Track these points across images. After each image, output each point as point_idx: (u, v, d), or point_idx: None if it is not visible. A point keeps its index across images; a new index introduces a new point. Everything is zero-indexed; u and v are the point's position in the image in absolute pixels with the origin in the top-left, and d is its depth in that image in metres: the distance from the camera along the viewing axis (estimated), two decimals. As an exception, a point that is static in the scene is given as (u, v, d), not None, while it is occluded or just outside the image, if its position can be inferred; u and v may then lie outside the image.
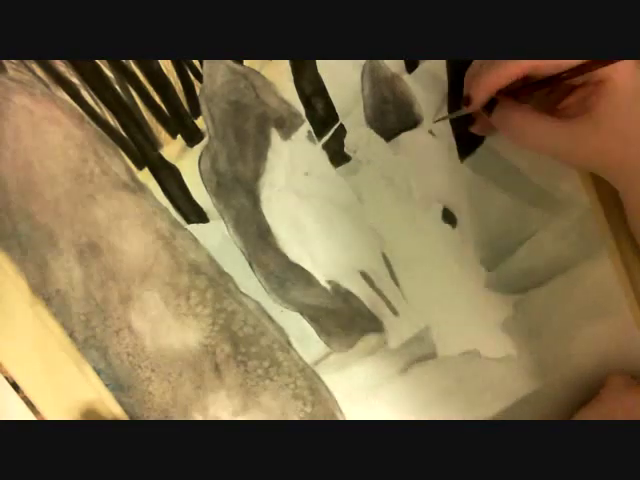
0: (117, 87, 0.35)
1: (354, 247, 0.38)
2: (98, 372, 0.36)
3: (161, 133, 0.36)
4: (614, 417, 0.34)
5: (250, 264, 0.37)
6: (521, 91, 0.32)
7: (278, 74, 0.36)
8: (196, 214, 0.37)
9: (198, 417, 0.37)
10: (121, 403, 0.37)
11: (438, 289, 0.38)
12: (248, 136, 0.36)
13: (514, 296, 0.38)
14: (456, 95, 0.36)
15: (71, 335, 0.36)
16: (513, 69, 0.30)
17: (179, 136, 0.36)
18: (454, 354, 0.38)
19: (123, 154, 0.36)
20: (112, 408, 0.37)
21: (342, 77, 0.36)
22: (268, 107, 0.36)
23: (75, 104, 0.35)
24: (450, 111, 0.36)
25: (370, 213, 0.37)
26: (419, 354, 0.38)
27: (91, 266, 0.36)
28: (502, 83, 0.31)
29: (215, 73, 0.35)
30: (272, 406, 0.37)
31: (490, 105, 0.32)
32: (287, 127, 0.36)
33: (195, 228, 0.36)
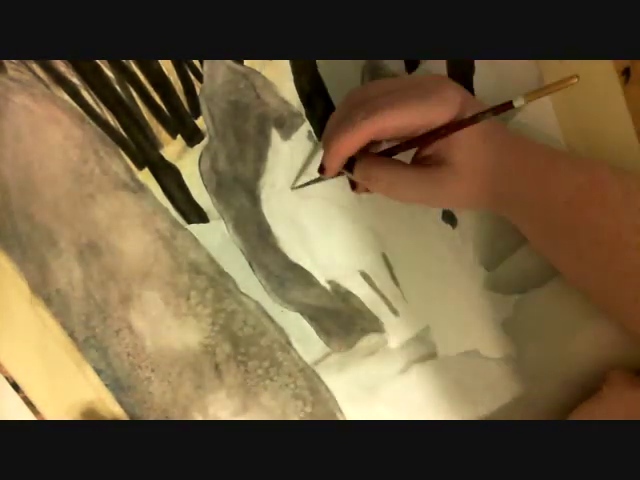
0: (117, 87, 0.35)
1: (354, 247, 0.38)
2: (98, 372, 0.36)
3: (161, 133, 0.36)
4: (615, 413, 0.34)
5: (250, 264, 0.37)
6: (385, 152, 0.32)
7: (278, 74, 0.36)
8: (196, 214, 0.37)
9: (198, 417, 0.37)
10: (121, 403, 0.37)
11: (438, 289, 0.38)
12: (248, 136, 0.36)
13: (514, 296, 0.38)
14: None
15: (71, 335, 0.36)
16: (361, 135, 0.29)
17: (179, 136, 0.36)
18: (454, 354, 0.38)
19: (123, 154, 0.36)
20: (112, 408, 0.37)
21: (342, 77, 0.36)
22: (268, 107, 0.36)
23: (75, 104, 0.35)
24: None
25: (370, 213, 0.37)
26: (419, 354, 0.38)
27: (91, 266, 0.36)
28: (353, 149, 0.30)
29: (215, 73, 0.35)
30: (272, 406, 0.37)
31: (350, 164, 0.31)
32: (287, 127, 0.36)
33: (195, 228, 0.37)
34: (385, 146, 0.32)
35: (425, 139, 0.30)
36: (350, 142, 0.30)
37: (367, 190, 0.34)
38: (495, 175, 0.30)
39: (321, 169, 0.32)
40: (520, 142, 0.31)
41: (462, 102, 0.29)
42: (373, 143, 0.31)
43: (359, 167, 0.31)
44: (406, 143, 0.31)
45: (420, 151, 0.32)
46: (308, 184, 0.36)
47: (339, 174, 0.33)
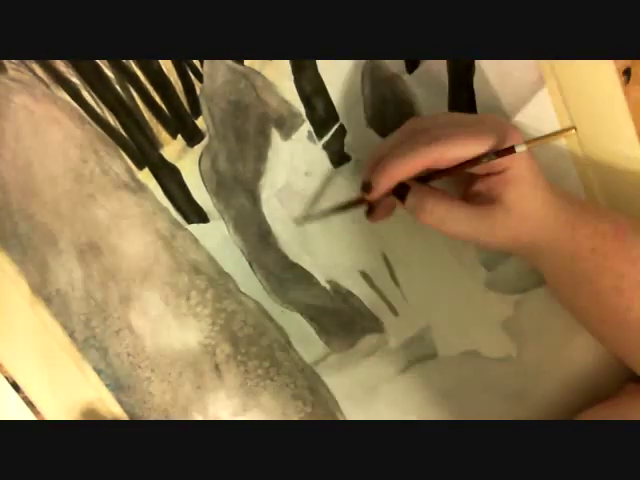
0: (117, 87, 0.35)
1: (354, 247, 0.38)
2: (98, 372, 0.36)
3: (161, 133, 0.36)
4: (627, 418, 0.34)
5: (250, 264, 0.37)
6: (430, 177, 0.32)
7: (278, 74, 0.36)
8: (196, 214, 0.37)
9: (198, 417, 0.37)
10: (121, 403, 0.37)
11: (438, 289, 0.38)
12: (248, 136, 0.36)
13: (514, 296, 0.38)
14: (456, 96, 0.36)
15: (71, 335, 0.36)
16: (419, 161, 0.30)
17: (179, 136, 0.36)
18: (454, 354, 0.38)
19: (123, 154, 0.36)
20: (112, 408, 0.37)
21: (342, 77, 0.36)
22: (268, 107, 0.36)
23: (75, 104, 0.35)
24: (452, 107, 0.36)
25: (370, 213, 0.37)
26: (419, 354, 0.38)
27: (91, 266, 0.36)
28: (408, 174, 0.30)
29: (215, 73, 0.35)
30: (272, 406, 0.37)
31: (400, 190, 0.31)
32: (287, 127, 0.36)
33: (195, 228, 0.37)
34: None
35: (476, 160, 0.30)
36: (409, 166, 0.30)
37: (382, 219, 0.34)
38: (538, 221, 0.31)
39: (367, 188, 0.32)
40: (555, 191, 0.32)
41: (505, 133, 0.30)
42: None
43: (413, 196, 0.31)
44: (440, 171, 0.31)
45: (472, 186, 0.32)
46: (325, 216, 0.36)
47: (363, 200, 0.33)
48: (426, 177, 0.32)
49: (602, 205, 0.36)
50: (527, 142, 0.29)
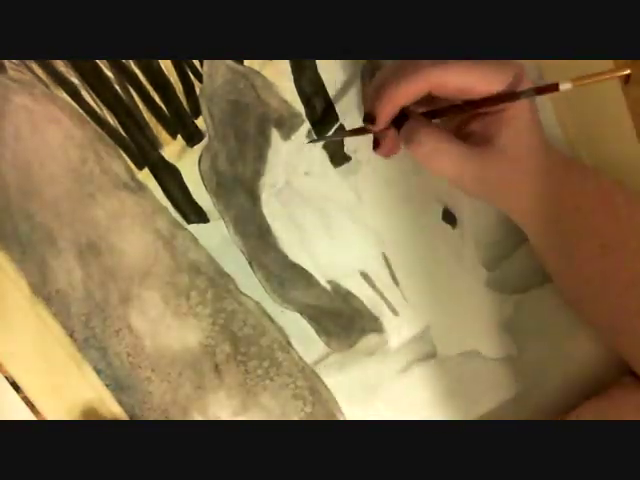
0: (117, 87, 0.35)
1: (354, 247, 0.38)
2: (98, 372, 0.36)
3: (161, 133, 0.36)
4: (623, 413, 0.34)
5: (250, 264, 0.37)
6: (429, 114, 0.30)
7: (278, 74, 0.36)
8: (196, 214, 0.37)
9: (198, 417, 0.37)
10: (121, 403, 0.37)
11: (438, 289, 0.38)
12: (248, 136, 0.36)
13: (514, 296, 0.38)
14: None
15: (71, 335, 0.36)
16: (421, 83, 0.28)
17: (179, 136, 0.36)
18: (454, 354, 0.38)
19: (123, 154, 0.36)
20: (112, 408, 0.37)
21: (342, 77, 0.36)
22: (268, 107, 0.36)
23: (75, 104, 0.35)
24: None
25: (370, 213, 0.37)
26: (419, 354, 0.38)
27: (91, 266, 0.36)
28: (410, 97, 0.29)
29: (215, 73, 0.35)
30: (272, 406, 0.37)
31: (398, 121, 0.30)
32: (287, 127, 0.36)
33: (195, 228, 0.36)
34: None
35: (471, 105, 0.29)
36: (411, 88, 0.28)
37: (390, 153, 0.32)
38: (528, 167, 0.30)
39: (370, 118, 0.30)
40: (546, 145, 0.30)
41: (517, 74, 0.28)
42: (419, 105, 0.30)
43: (408, 124, 0.29)
44: (452, 107, 0.30)
45: (467, 125, 0.31)
46: (329, 138, 0.35)
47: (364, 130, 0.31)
48: (433, 113, 0.30)
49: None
50: (574, 80, 0.26)
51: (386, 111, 0.29)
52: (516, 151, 0.29)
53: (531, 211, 0.31)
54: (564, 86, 0.26)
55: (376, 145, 0.32)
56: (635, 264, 0.30)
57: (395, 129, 0.30)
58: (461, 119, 0.31)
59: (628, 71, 0.25)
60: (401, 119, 0.30)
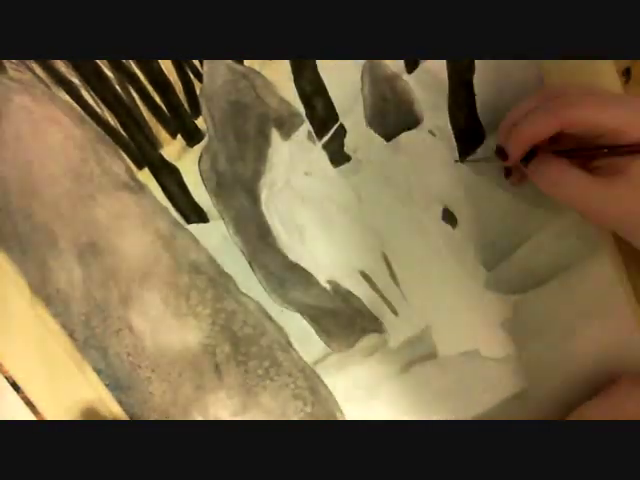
0: (117, 87, 0.35)
1: (354, 247, 0.38)
2: (98, 372, 0.36)
3: (161, 133, 0.36)
4: (623, 411, 0.34)
5: (250, 264, 0.37)
6: (563, 154, 0.31)
7: (278, 74, 0.36)
8: (196, 214, 0.37)
9: (198, 417, 0.37)
10: (121, 403, 0.37)
11: (438, 289, 0.38)
12: (248, 136, 0.36)
13: (514, 296, 0.38)
14: (456, 95, 0.36)
15: (71, 335, 0.36)
16: (552, 123, 0.30)
17: (179, 136, 0.36)
18: (454, 354, 0.38)
19: (123, 154, 0.36)
20: (112, 408, 0.37)
21: (342, 77, 0.36)
22: (268, 107, 0.36)
23: (75, 104, 0.35)
24: (451, 115, 0.36)
25: (370, 213, 0.37)
26: (419, 354, 0.38)
27: (91, 266, 0.36)
28: (541, 136, 0.30)
29: (215, 73, 0.35)
30: (272, 406, 0.37)
31: (528, 157, 0.32)
32: (287, 127, 0.36)
33: (195, 228, 0.36)
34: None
35: (609, 150, 0.30)
36: (543, 128, 0.30)
37: (520, 183, 0.34)
38: None
39: (503, 154, 0.32)
40: None
41: None
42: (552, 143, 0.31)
43: (537, 161, 0.31)
44: (585, 149, 0.31)
45: (593, 161, 0.31)
46: (479, 160, 0.36)
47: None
48: (566, 153, 0.32)
49: None
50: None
51: (518, 149, 0.31)
52: None
53: None
54: None
55: (507, 174, 0.35)
56: None
57: (522, 163, 0.32)
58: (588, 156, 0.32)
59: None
60: (529, 154, 0.32)
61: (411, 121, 0.37)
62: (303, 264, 0.37)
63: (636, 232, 0.32)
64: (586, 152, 0.31)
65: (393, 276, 0.38)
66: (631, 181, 0.29)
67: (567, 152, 0.32)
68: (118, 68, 0.35)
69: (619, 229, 0.32)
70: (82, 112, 0.35)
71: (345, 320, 0.38)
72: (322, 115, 0.36)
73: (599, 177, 0.30)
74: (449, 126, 0.37)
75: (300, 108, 0.36)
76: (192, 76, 0.36)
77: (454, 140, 0.37)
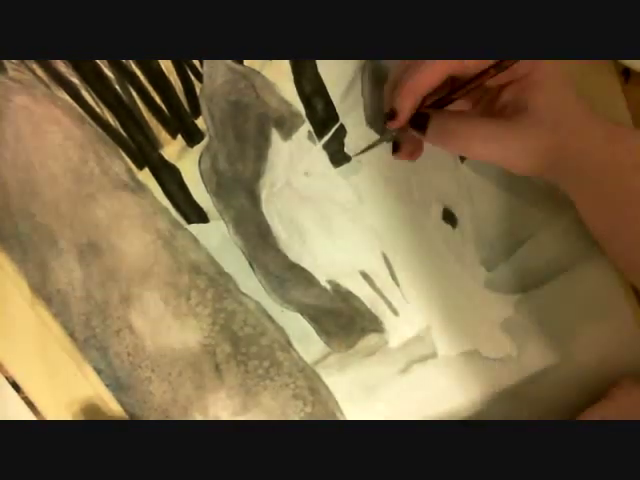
0: (117, 87, 0.35)
1: (354, 247, 0.38)
2: (98, 372, 0.36)
3: (161, 133, 0.36)
4: (626, 413, 0.34)
5: (250, 264, 0.37)
6: (449, 97, 0.30)
7: (278, 74, 0.36)
8: (196, 214, 0.37)
9: (198, 417, 0.37)
10: (121, 403, 0.37)
11: (438, 289, 0.38)
12: (248, 136, 0.36)
13: (514, 296, 0.38)
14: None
15: (71, 335, 0.36)
16: (439, 67, 0.28)
17: (179, 136, 0.36)
18: (454, 354, 0.38)
19: (123, 154, 0.36)
20: (112, 408, 0.37)
21: (342, 77, 0.36)
22: (268, 107, 0.36)
23: (75, 104, 0.35)
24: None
25: (370, 213, 0.37)
26: (419, 354, 0.38)
27: (91, 266, 0.36)
28: (429, 85, 0.28)
29: (215, 73, 0.35)
30: (272, 406, 0.37)
31: (420, 123, 0.29)
32: (287, 127, 0.36)
33: (195, 228, 0.37)
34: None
35: (496, 68, 0.28)
36: (429, 76, 0.28)
37: (411, 157, 0.32)
38: (570, 125, 0.28)
39: (392, 115, 0.29)
40: (584, 105, 0.29)
41: None
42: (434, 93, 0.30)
43: (434, 123, 0.29)
44: (457, 88, 0.29)
45: (496, 102, 0.30)
46: (368, 149, 0.34)
47: (390, 134, 0.31)
48: (444, 101, 0.30)
49: None
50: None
51: (407, 103, 0.29)
52: (553, 112, 0.28)
53: (575, 176, 0.29)
54: None
55: (395, 149, 0.32)
56: None
57: (416, 130, 0.30)
58: (489, 99, 0.30)
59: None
60: (420, 119, 0.29)
61: (411, 121, 0.37)
62: (303, 264, 0.37)
63: (556, 177, 0.30)
64: (475, 81, 0.29)
65: (393, 276, 0.38)
66: (535, 113, 0.28)
67: (456, 91, 0.29)
68: (118, 68, 0.35)
69: (541, 173, 0.30)
70: (82, 112, 0.35)
71: (345, 320, 0.38)
72: (322, 115, 0.36)
73: (506, 120, 0.28)
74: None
75: (300, 108, 0.36)
76: (192, 76, 0.36)
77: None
